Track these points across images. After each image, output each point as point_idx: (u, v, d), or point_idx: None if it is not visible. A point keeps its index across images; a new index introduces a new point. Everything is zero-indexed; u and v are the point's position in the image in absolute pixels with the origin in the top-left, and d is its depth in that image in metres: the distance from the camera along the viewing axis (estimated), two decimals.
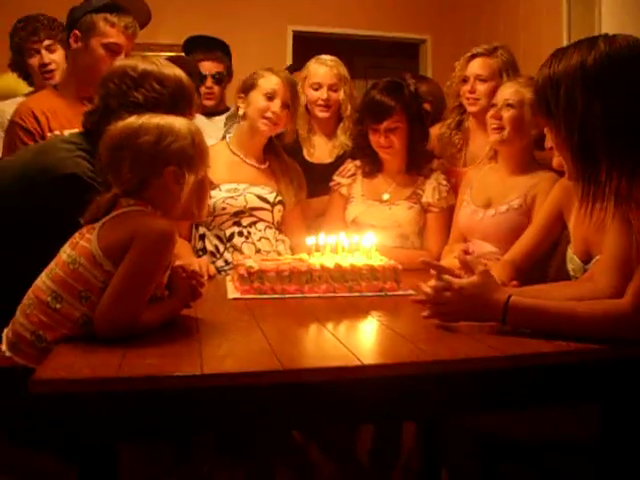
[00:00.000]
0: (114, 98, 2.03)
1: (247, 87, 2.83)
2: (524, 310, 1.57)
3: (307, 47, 5.34)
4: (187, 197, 1.66)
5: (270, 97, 2.76)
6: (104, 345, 1.47)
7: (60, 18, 3.32)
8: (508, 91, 2.53)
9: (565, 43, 4.38)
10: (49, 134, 2.59)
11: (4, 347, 1.59)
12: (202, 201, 1.75)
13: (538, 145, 2.50)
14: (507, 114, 2.49)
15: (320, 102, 3.17)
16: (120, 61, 2.13)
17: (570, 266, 2.09)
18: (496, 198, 2.58)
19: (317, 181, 3.00)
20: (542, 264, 2.33)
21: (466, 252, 1.71)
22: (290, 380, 1.35)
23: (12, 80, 3.38)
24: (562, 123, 1.55)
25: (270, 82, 2.78)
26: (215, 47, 3.74)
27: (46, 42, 3.25)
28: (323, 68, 3.22)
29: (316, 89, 3.18)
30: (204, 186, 1.74)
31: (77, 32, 2.66)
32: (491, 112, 2.55)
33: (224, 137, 3.11)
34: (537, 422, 1.82)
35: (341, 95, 3.18)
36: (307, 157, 3.22)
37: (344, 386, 1.37)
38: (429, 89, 3.45)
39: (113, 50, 2.64)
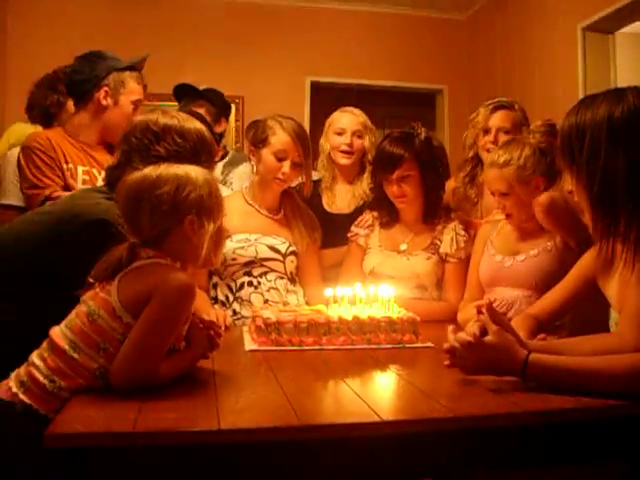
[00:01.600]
0: (136, 152, 2.06)
1: (258, 141, 2.81)
2: (544, 368, 1.54)
3: (325, 97, 5.41)
4: (206, 245, 1.67)
5: (281, 158, 2.74)
6: (120, 398, 1.46)
7: None
8: (494, 181, 2.51)
9: (580, 95, 4.42)
10: (64, 165, 2.72)
11: (12, 383, 1.57)
12: (218, 248, 1.76)
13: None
14: (508, 203, 2.49)
15: (343, 147, 3.18)
16: (141, 116, 2.17)
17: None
18: (523, 245, 2.55)
19: (336, 231, 2.99)
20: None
21: (478, 310, 1.69)
22: (308, 436, 1.33)
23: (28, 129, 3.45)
24: (584, 172, 1.56)
25: (281, 141, 2.75)
26: (198, 95, 3.84)
27: None
28: (348, 115, 3.25)
29: (340, 134, 3.20)
30: (221, 233, 1.75)
31: (107, 89, 2.80)
32: (498, 204, 2.54)
33: (225, 182, 3.16)
34: None
35: (366, 142, 3.20)
36: (326, 207, 3.22)
37: (362, 443, 1.35)
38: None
39: (137, 106, 2.85)
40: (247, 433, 1.30)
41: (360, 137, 3.20)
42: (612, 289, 1.80)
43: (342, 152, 3.19)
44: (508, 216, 2.53)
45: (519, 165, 2.44)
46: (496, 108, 3.00)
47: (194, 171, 1.72)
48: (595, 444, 1.48)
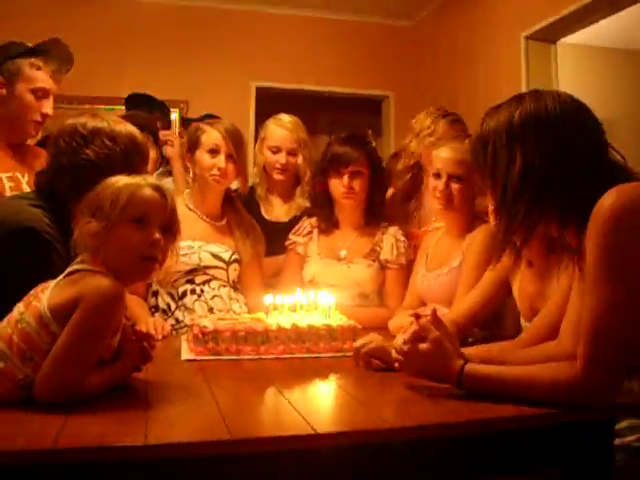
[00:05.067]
0: (65, 156, 2.01)
1: (191, 146, 2.81)
2: (478, 378, 1.54)
3: (271, 102, 5.36)
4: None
5: (213, 152, 2.73)
6: (44, 411, 1.39)
7: None
8: (451, 163, 2.47)
9: (523, 88, 4.48)
10: None
11: None
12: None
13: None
14: (456, 187, 2.46)
15: (278, 166, 3.17)
16: (70, 120, 2.09)
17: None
18: (443, 261, 2.56)
19: (274, 239, 2.95)
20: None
21: (417, 316, 1.67)
22: (239, 451, 1.28)
23: None
24: (488, 178, 1.60)
25: (211, 137, 2.75)
26: (155, 107, 3.75)
27: None
28: (282, 131, 3.20)
29: (274, 152, 3.18)
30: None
31: (1, 79, 2.57)
32: (439, 185, 2.48)
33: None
34: None
35: (299, 159, 3.18)
36: (264, 215, 3.19)
37: (298, 456, 1.31)
38: None
39: (41, 95, 2.60)
40: (173, 448, 1.25)
41: (295, 155, 3.18)
42: (515, 289, 1.91)
43: (277, 169, 3.18)
44: (449, 202, 2.48)
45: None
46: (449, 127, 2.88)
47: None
48: (531, 452, 1.47)
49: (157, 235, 1.63)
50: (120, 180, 1.65)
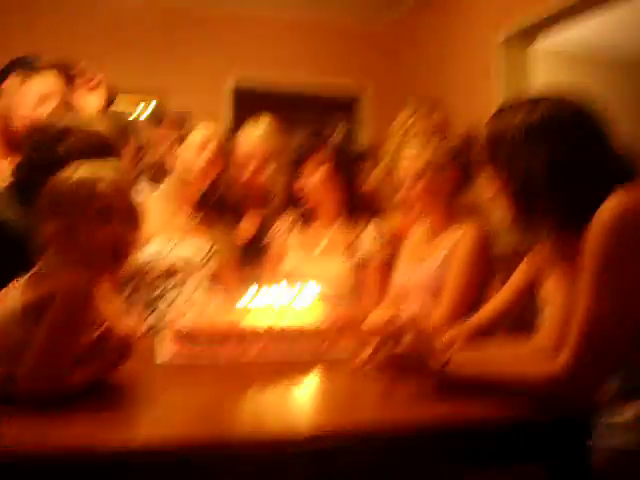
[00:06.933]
0: (38, 152, 2.06)
1: (176, 139, 2.84)
2: (460, 376, 1.57)
3: (248, 102, 5.37)
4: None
5: (198, 148, 2.77)
6: (28, 410, 1.39)
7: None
8: (410, 161, 2.51)
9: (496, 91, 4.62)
10: None
11: None
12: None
13: (461, 188, 2.54)
14: (418, 186, 2.48)
15: (248, 182, 3.14)
16: (44, 116, 2.14)
17: None
18: (424, 255, 2.54)
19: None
20: None
21: (391, 321, 1.67)
22: (222, 453, 1.29)
23: None
24: (505, 172, 1.62)
25: (197, 134, 2.80)
26: None
27: None
28: (251, 145, 3.18)
29: (244, 167, 3.15)
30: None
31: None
32: (402, 192, 2.54)
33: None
34: None
35: (270, 170, 3.15)
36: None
37: (281, 457, 1.32)
38: None
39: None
40: (160, 448, 1.26)
41: (265, 167, 3.16)
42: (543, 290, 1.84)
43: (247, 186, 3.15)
44: (413, 201, 2.52)
45: (438, 148, 2.46)
46: None
47: None
48: (508, 449, 1.50)
49: (119, 229, 1.62)
50: (74, 175, 1.64)
